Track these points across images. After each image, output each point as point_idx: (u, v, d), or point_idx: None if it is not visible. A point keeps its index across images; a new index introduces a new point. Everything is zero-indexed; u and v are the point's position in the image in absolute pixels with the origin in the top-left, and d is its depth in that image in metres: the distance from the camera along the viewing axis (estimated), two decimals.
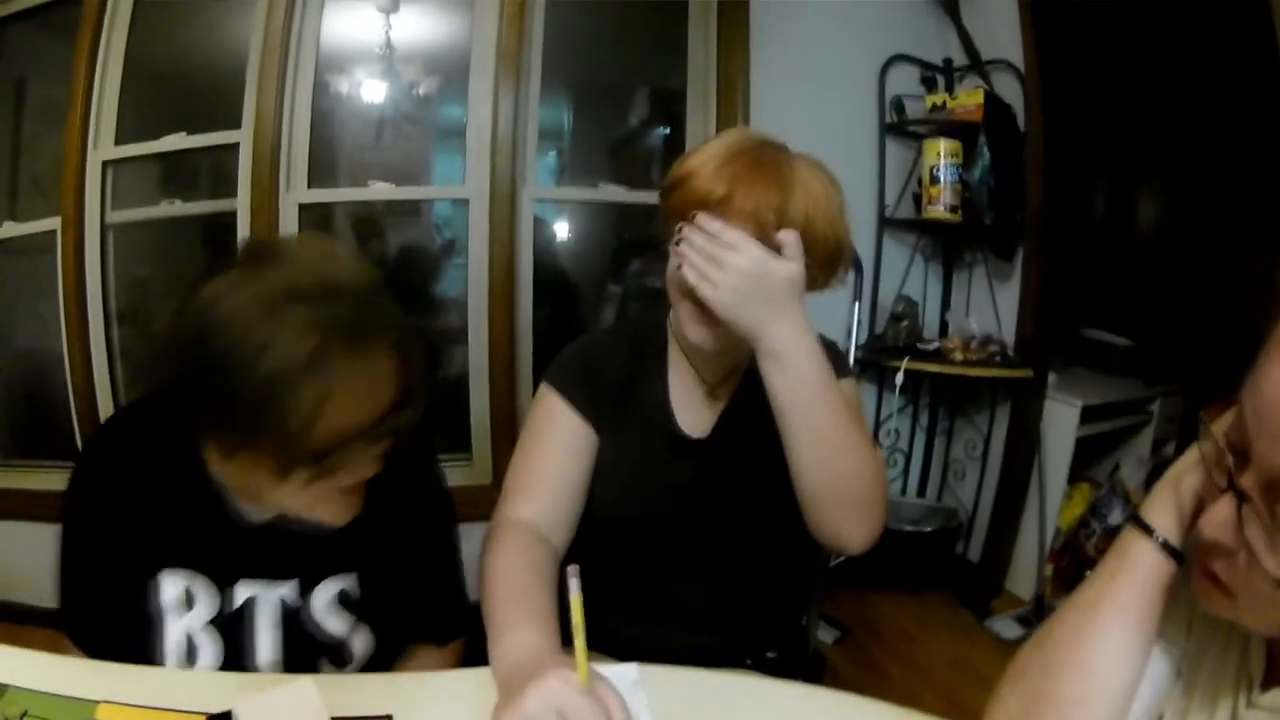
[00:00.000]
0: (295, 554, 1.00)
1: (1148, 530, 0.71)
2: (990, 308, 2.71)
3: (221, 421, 0.83)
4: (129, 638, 0.97)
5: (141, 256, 2.66)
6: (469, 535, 1.12)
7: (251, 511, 0.98)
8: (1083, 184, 3.04)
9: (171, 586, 0.97)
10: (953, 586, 2.72)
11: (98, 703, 0.80)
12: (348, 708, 0.83)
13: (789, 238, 0.97)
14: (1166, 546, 0.70)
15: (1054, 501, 2.65)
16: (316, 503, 0.89)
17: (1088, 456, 2.75)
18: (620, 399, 1.18)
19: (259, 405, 0.77)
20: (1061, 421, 2.57)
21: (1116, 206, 3.26)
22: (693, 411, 1.18)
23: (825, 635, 2.48)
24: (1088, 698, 0.69)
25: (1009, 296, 2.67)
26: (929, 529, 2.77)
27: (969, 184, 2.64)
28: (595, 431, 1.16)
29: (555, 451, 1.14)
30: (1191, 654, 0.73)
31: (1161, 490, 0.72)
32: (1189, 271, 2.78)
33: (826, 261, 1.05)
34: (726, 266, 0.93)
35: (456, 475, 2.58)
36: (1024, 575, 2.72)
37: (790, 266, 0.96)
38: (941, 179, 2.69)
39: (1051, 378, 2.59)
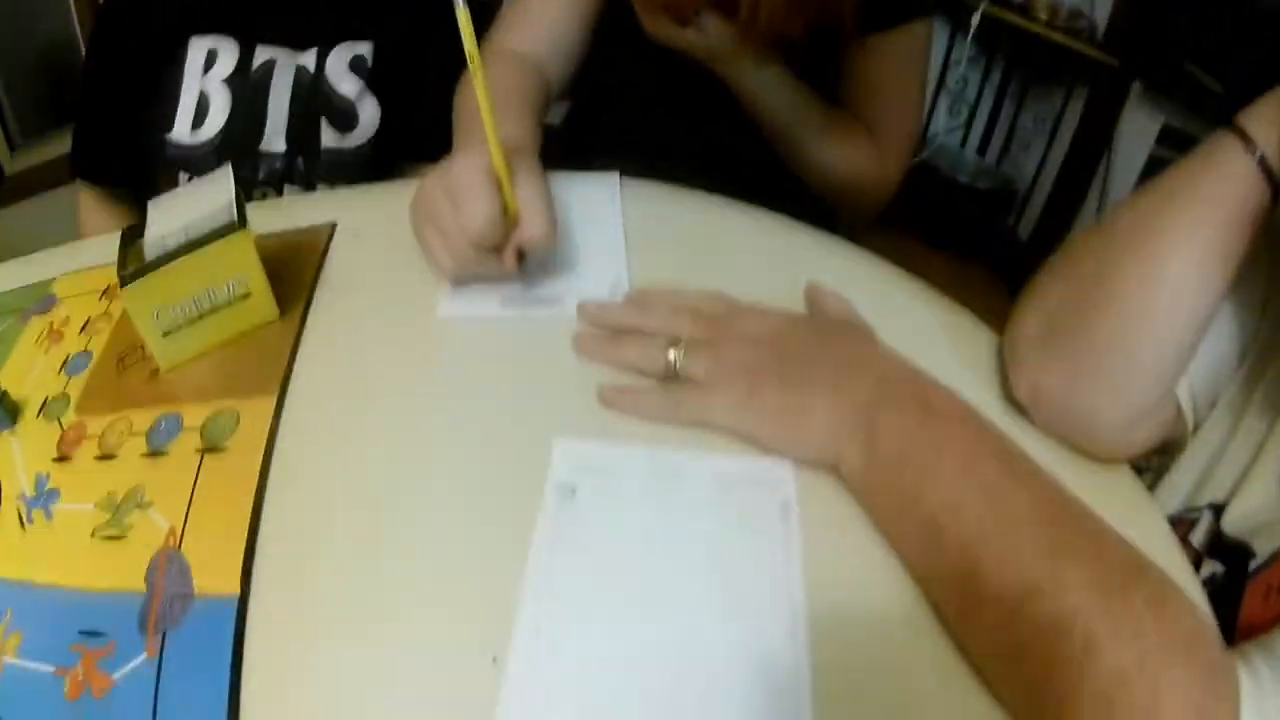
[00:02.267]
0: (318, 20, 1.04)
1: (1246, 139, 0.53)
2: None
3: None
4: (142, 141, 1.02)
5: None
6: None
7: None
8: None
9: (198, 50, 1.01)
10: (996, 261, 2.50)
11: (54, 279, 0.81)
12: (293, 220, 0.82)
13: None
14: (1264, 166, 0.53)
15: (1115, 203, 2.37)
16: None
17: None
18: None
19: None
20: (1137, 132, 2.34)
21: None
22: None
23: None
24: (1154, 306, 0.54)
25: None
26: (982, 186, 2.62)
27: None
28: None
29: None
30: (1264, 338, 0.60)
31: (1269, 101, 0.55)
32: None
33: None
34: None
35: None
36: None
37: None
38: None
39: (1136, 85, 2.34)
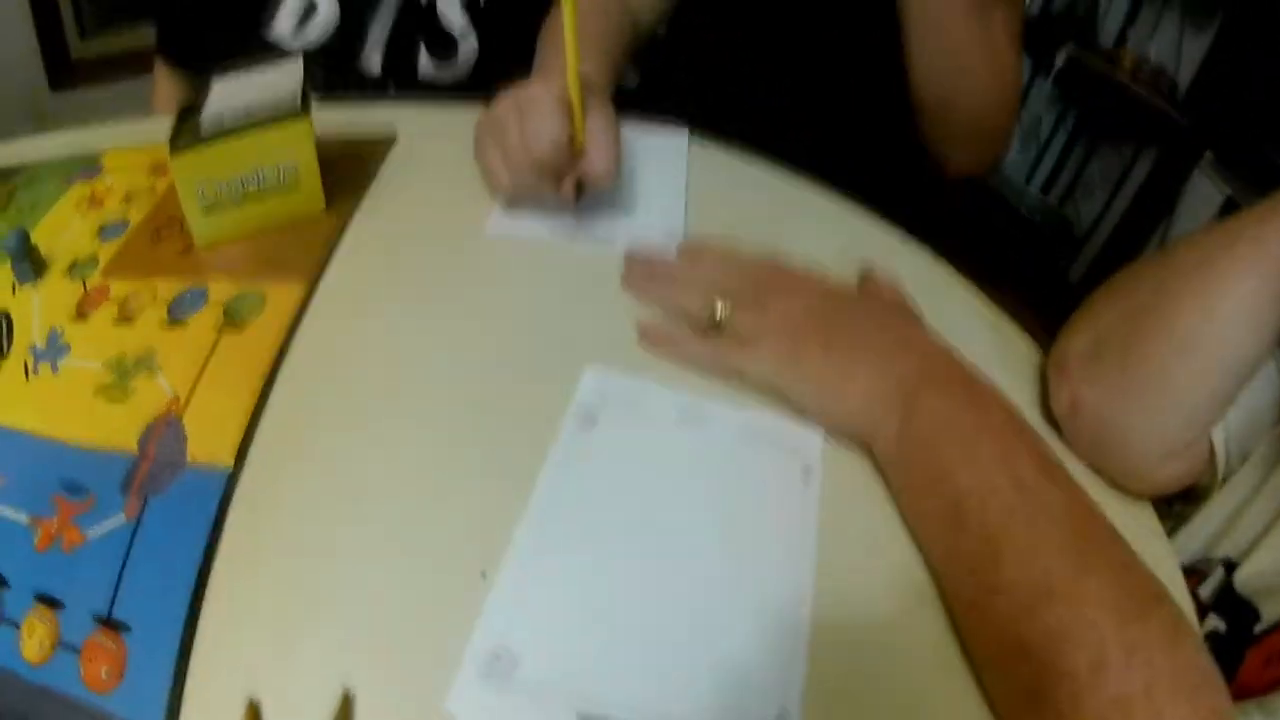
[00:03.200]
0: None
1: None
2: (1175, 42, 2.43)
3: None
4: (233, 30, 0.97)
5: None
6: None
7: None
8: None
9: None
10: (1041, 297, 2.44)
11: (105, 150, 0.80)
12: (357, 124, 0.80)
13: None
14: None
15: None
16: None
17: None
18: None
19: None
20: (1202, 199, 2.32)
21: None
22: None
23: None
24: (1205, 340, 0.54)
25: (1198, 43, 2.38)
26: (1039, 220, 2.64)
27: None
28: None
29: None
30: None
31: None
32: None
33: None
34: None
35: None
36: None
37: None
38: None
39: (1208, 154, 2.32)
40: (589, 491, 0.50)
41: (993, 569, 0.44)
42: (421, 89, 1.02)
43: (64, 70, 2.65)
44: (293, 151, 0.65)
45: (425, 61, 1.02)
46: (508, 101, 0.66)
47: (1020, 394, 0.60)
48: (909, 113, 1.03)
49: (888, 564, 0.48)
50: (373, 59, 1.01)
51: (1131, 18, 2.52)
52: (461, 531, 0.47)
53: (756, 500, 0.51)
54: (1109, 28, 2.55)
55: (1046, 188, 2.77)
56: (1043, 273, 2.61)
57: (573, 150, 0.64)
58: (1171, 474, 0.58)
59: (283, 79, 0.67)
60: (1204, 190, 2.30)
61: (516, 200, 0.68)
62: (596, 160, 0.64)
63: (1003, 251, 2.50)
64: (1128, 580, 0.43)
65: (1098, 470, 0.57)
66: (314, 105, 0.65)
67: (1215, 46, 2.32)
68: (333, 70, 0.99)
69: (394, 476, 0.50)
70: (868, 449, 0.53)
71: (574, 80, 0.62)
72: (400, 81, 1.02)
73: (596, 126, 0.64)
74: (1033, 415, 0.59)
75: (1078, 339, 0.60)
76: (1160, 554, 0.55)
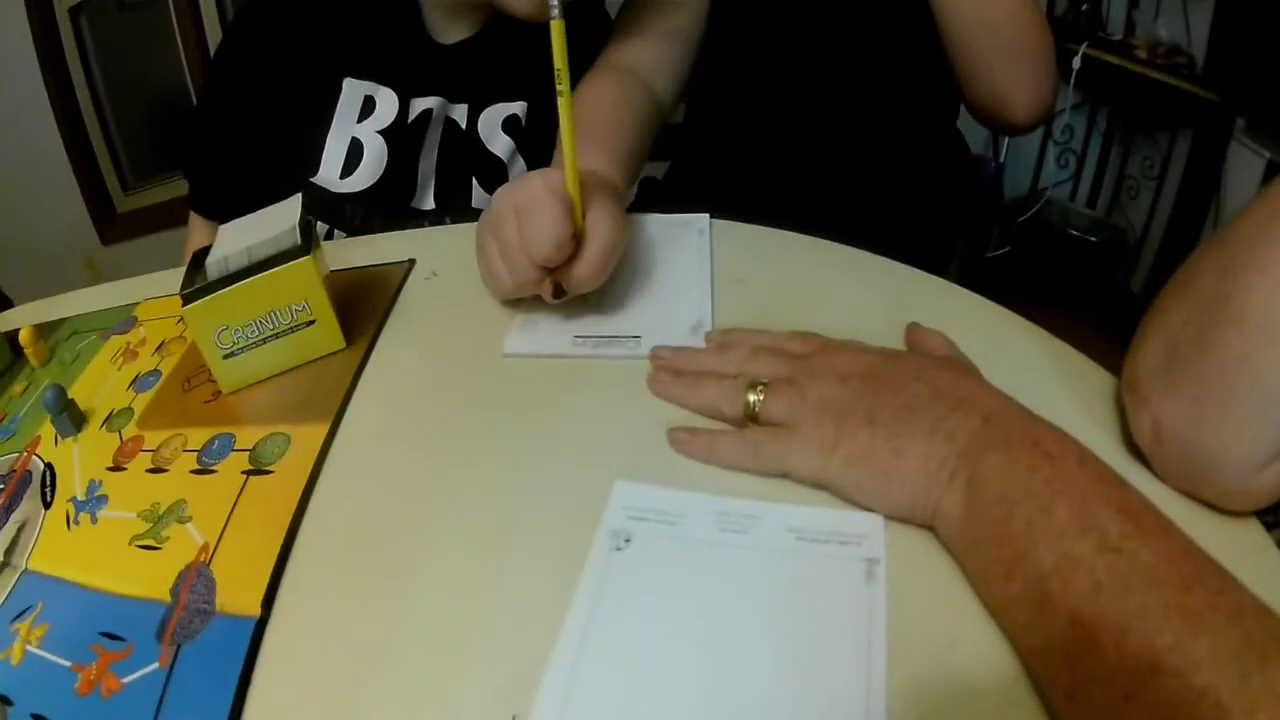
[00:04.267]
0: (475, 76, 1.01)
1: None
2: (1181, 17, 2.33)
3: None
4: (270, 179, 0.94)
5: None
6: None
7: (441, 30, 0.99)
8: None
9: (354, 94, 0.97)
10: (1108, 318, 2.33)
11: (137, 303, 0.83)
12: (376, 256, 0.81)
13: None
14: None
15: None
16: None
17: None
18: None
19: None
20: (1244, 169, 2.19)
21: None
22: None
23: None
24: (1275, 324, 0.47)
25: (1202, 12, 2.28)
26: (1094, 239, 2.51)
27: None
28: None
29: None
30: None
31: None
32: None
33: None
34: None
35: None
36: None
37: None
38: None
39: (1240, 122, 2.22)
40: (627, 622, 0.47)
41: (1089, 654, 0.39)
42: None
43: (111, 224, 2.78)
44: (302, 290, 0.67)
45: (478, 191, 1.04)
46: (505, 200, 0.65)
47: (1100, 432, 0.56)
48: (939, 170, 1.03)
49: (971, 661, 0.44)
50: (425, 196, 1.03)
51: (1135, 1, 2.46)
52: (491, 675, 0.46)
53: (816, 607, 0.46)
54: (1116, 18, 2.49)
55: (1092, 201, 2.70)
56: (1104, 291, 2.51)
57: (575, 246, 0.63)
58: (1272, 482, 0.51)
59: (283, 216, 0.69)
60: (1246, 160, 2.19)
61: (514, 297, 0.68)
62: (581, 263, 0.63)
63: (1061, 279, 2.46)
64: (1244, 625, 0.37)
65: (1192, 496, 0.51)
66: (325, 239, 0.67)
67: (1218, 12, 2.24)
68: (389, 210, 1.01)
69: (420, 620, 0.49)
70: (932, 531, 0.48)
71: (571, 172, 0.62)
72: (456, 213, 1.03)
73: (593, 224, 0.63)
74: (1116, 449, 0.55)
75: (1148, 351, 0.54)
76: (1271, 569, 0.49)
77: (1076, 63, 2.37)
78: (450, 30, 1.00)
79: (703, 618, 0.47)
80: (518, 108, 1.04)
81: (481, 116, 1.03)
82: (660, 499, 0.53)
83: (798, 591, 0.47)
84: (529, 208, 0.62)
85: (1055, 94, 0.92)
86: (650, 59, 0.95)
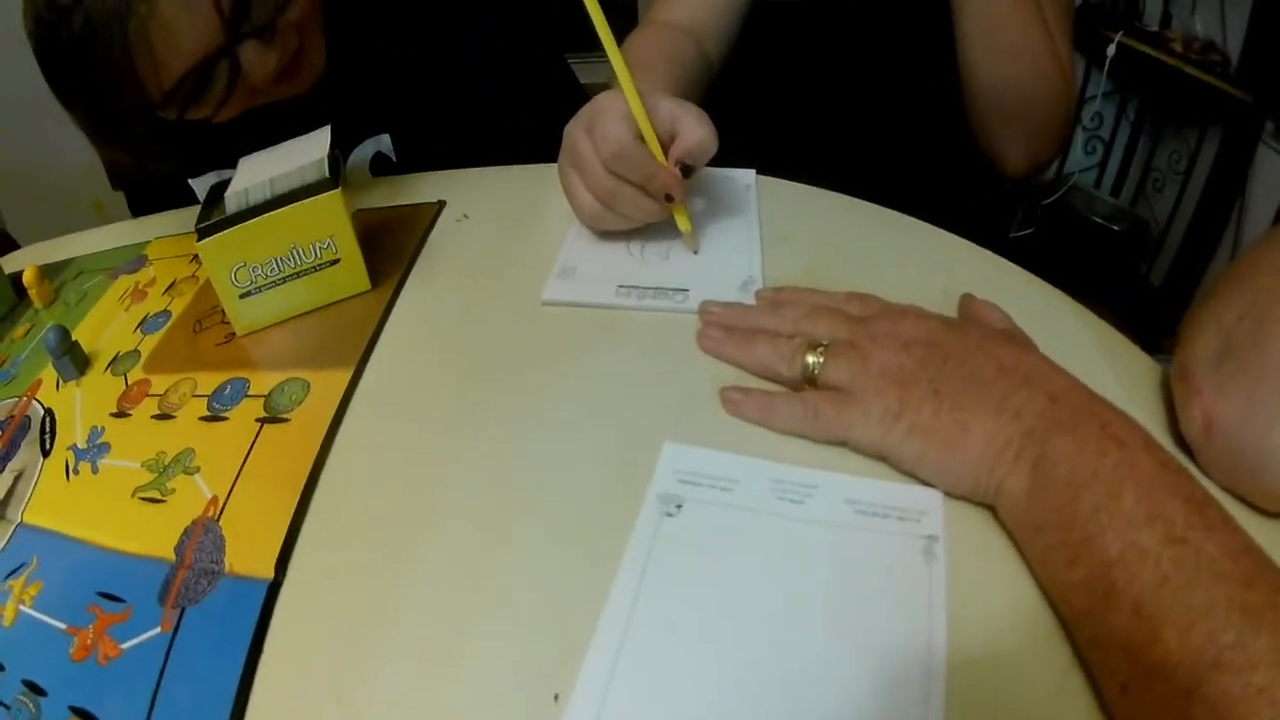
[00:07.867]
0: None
1: None
2: (1217, 15, 2.36)
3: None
4: None
5: None
6: None
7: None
8: None
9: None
10: (1126, 308, 2.18)
11: (148, 242, 0.79)
12: (404, 197, 0.77)
13: None
14: None
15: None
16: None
17: None
18: None
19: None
20: (1271, 172, 2.20)
21: None
22: None
23: None
24: None
25: (1239, 10, 2.30)
26: (1116, 228, 2.51)
27: None
28: None
29: None
30: None
31: None
32: None
33: None
34: None
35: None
36: None
37: None
38: None
39: (1270, 125, 2.21)
40: (677, 593, 0.43)
41: (1151, 647, 0.38)
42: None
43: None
44: (327, 226, 0.62)
45: None
46: (573, 125, 0.64)
47: (1150, 420, 0.52)
48: (968, 134, 1.00)
49: (1025, 649, 0.41)
50: None
51: None
52: (528, 648, 0.41)
53: (875, 586, 0.43)
54: (1153, 9, 2.49)
55: (1116, 190, 2.68)
56: (1127, 281, 2.51)
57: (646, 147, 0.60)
58: None
59: (310, 150, 0.64)
60: (1273, 163, 2.19)
61: (603, 222, 0.65)
62: (691, 131, 0.60)
63: (1082, 263, 2.45)
64: None
65: (1234, 494, 0.49)
66: (352, 177, 0.62)
67: (1255, 11, 2.23)
68: None
69: (450, 586, 0.45)
70: (989, 510, 0.46)
71: (631, 92, 0.59)
72: None
73: (673, 107, 0.61)
74: (1167, 441, 0.51)
75: (1203, 341, 0.52)
76: None
77: (1111, 50, 2.35)
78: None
79: (757, 592, 0.43)
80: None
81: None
82: (713, 462, 0.49)
83: (856, 568, 0.44)
84: (594, 119, 0.61)
85: (1056, 154, 0.93)
86: (700, 18, 0.94)
